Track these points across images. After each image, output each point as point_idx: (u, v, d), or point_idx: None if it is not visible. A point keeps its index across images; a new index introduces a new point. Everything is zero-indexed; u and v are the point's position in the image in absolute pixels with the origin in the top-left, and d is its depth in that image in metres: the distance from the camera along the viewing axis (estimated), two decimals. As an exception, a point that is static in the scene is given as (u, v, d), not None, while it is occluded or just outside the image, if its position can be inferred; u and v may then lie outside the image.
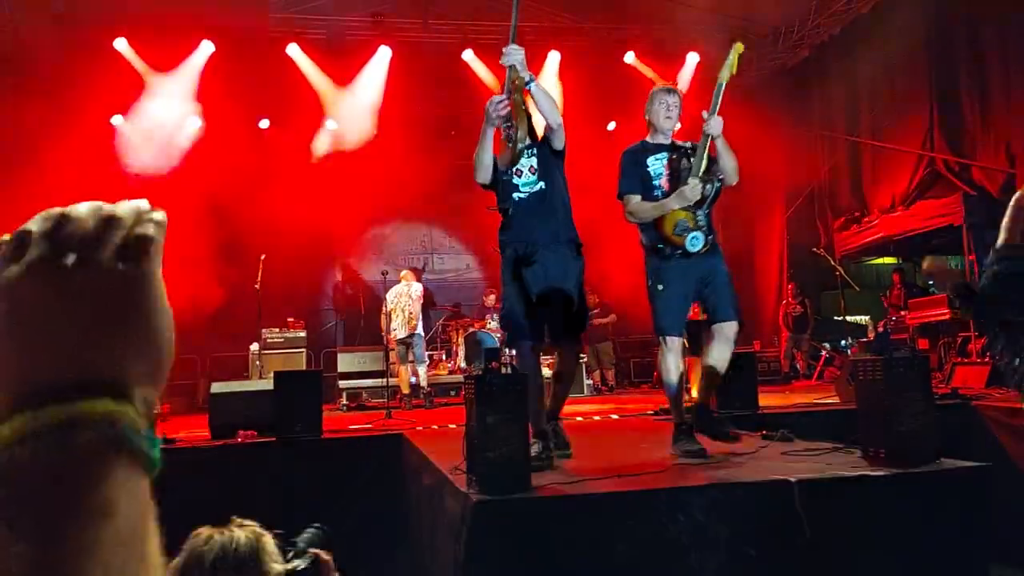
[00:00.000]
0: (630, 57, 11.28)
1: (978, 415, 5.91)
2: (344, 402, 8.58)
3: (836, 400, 6.41)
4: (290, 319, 9.29)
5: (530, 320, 3.71)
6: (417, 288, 8.50)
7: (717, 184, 3.78)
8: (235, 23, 10.01)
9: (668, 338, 3.80)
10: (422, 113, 11.32)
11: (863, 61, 9.82)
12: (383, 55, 11.10)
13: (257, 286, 8.22)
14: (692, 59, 11.24)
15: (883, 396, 3.36)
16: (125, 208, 0.51)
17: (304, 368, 8.61)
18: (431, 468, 3.88)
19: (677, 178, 3.85)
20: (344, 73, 11.21)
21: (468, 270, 12.83)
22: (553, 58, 11.27)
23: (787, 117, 10.60)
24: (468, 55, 11.40)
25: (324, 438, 5.36)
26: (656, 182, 3.91)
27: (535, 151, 3.86)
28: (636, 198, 3.88)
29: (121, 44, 10.17)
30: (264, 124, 11.52)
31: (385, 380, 7.85)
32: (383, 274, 7.93)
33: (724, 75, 3.79)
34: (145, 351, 0.49)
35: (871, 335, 9.59)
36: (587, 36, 11.16)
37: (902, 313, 9.06)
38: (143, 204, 0.52)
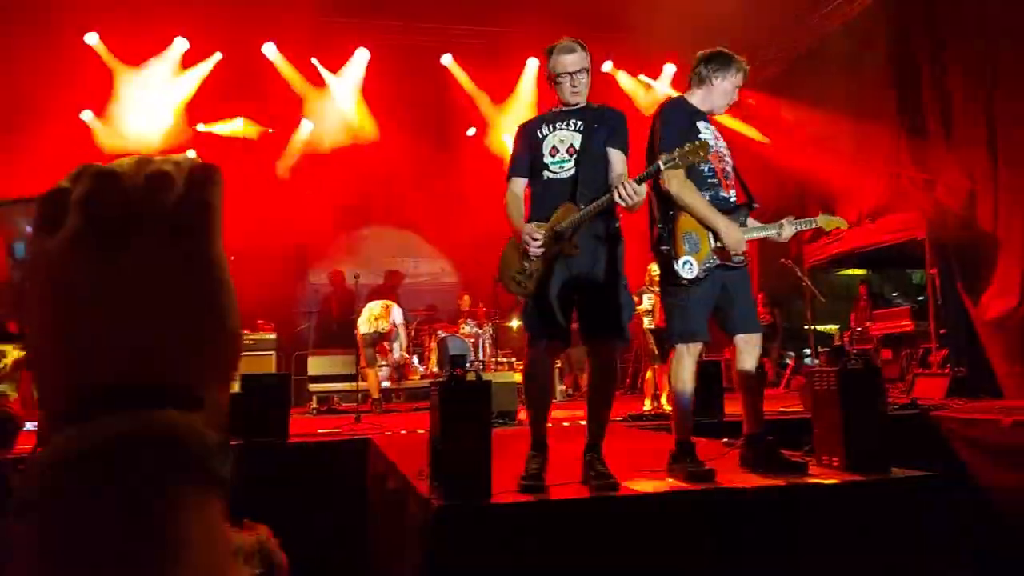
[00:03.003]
0: (608, 66, 11.41)
1: (936, 425, 6.04)
2: (314, 406, 8.56)
3: (800, 409, 6.52)
4: (260, 321, 9.26)
5: (547, 315, 3.26)
6: (398, 313, 8.58)
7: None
8: (211, 20, 9.96)
9: (693, 344, 3.51)
10: (399, 116, 11.33)
11: (832, 76, 10.00)
12: (361, 57, 11.11)
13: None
14: (669, 69, 11.42)
15: (837, 406, 3.45)
16: (177, 163, 0.42)
17: (274, 371, 8.58)
18: (396, 473, 3.91)
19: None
20: (321, 74, 11.20)
21: (443, 274, 12.84)
22: (532, 64, 11.36)
23: (760, 130, 10.76)
24: (447, 59, 11.45)
25: (290, 443, 5.36)
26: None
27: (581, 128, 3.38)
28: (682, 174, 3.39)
29: (92, 39, 10.09)
30: (238, 123, 11.46)
31: (356, 384, 7.85)
32: (355, 278, 7.94)
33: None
34: (212, 341, 0.41)
35: (836, 344, 9.75)
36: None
37: (867, 324, 9.24)
38: (195, 158, 0.43)
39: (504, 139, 11.34)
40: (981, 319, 7.66)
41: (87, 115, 10.43)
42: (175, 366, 0.38)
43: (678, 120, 3.47)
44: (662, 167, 3.13)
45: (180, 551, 0.35)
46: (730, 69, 3.64)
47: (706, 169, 3.54)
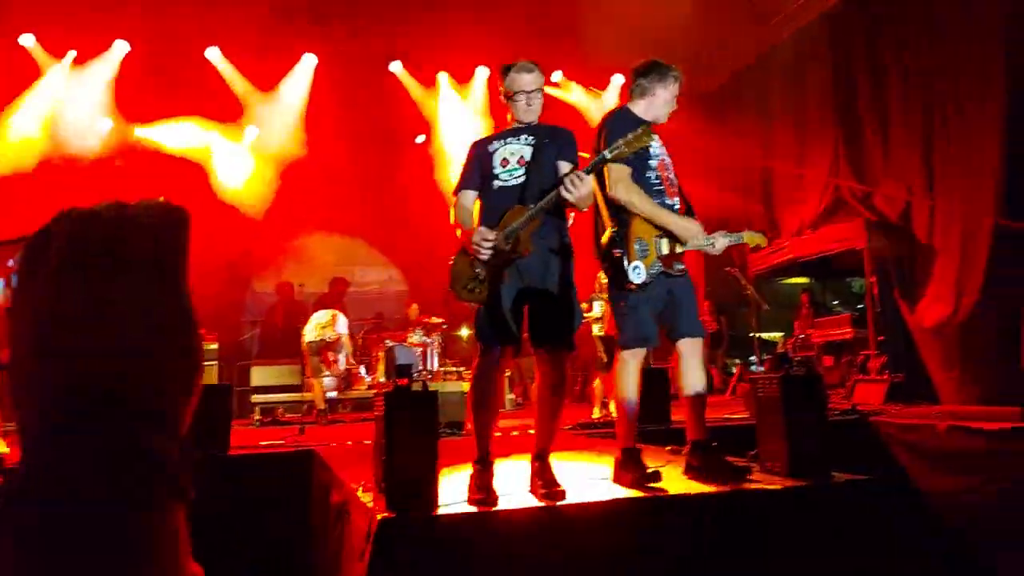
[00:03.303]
0: (557, 76, 11.49)
1: (875, 430, 6.18)
2: (257, 417, 8.39)
3: (746, 415, 6.62)
4: (202, 331, 9.02)
5: (500, 323, 3.25)
6: (343, 324, 8.48)
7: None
8: (153, 23, 9.73)
9: (638, 350, 3.56)
10: (346, 122, 11.21)
11: (776, 89, 10.23)
12: (308, 62, 10.98)
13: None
14: (616, 80, 11.54)
15: (779, 412, 3.49)
16: (149, 207, 0.49)
17: (215, 382, 8.39)
18: (340, 485, 3.84)
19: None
20: (267, 79, 11.04)
21: (391, 282, 12.73)
22: (481, 74, 11.38)
23: (703, 141, 10.92)
24: (396, 66, 11.39)
25: (232, 455, 5.23)
26: (653, 163, 3.63)
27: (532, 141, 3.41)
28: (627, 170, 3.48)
29: (28, 41, 9.78)
30: (182, 128, 11.21)
31: (300, 394, 7.72)
32: (299, 286, 7.81)
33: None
34: (179, 364, 0.46)
35: (780, 351, 9.94)
36: (513, 55, 11.27)
37: (809, 331, 9.44)
38: (165, 203, 0.50)
39: (448, 147, 11.33)
40: (918, 326, 7.88)
41: (24, 118, 10.08)
42: (148, 387, 0.42)
43: (624, 127, 3.48)
44: (607, 156, 3.20)
45: (150, 554, 0.39)
46: (667, 79, 3.73)
47: (653, 177, 3.60)
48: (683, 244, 3.57)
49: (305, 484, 4.96)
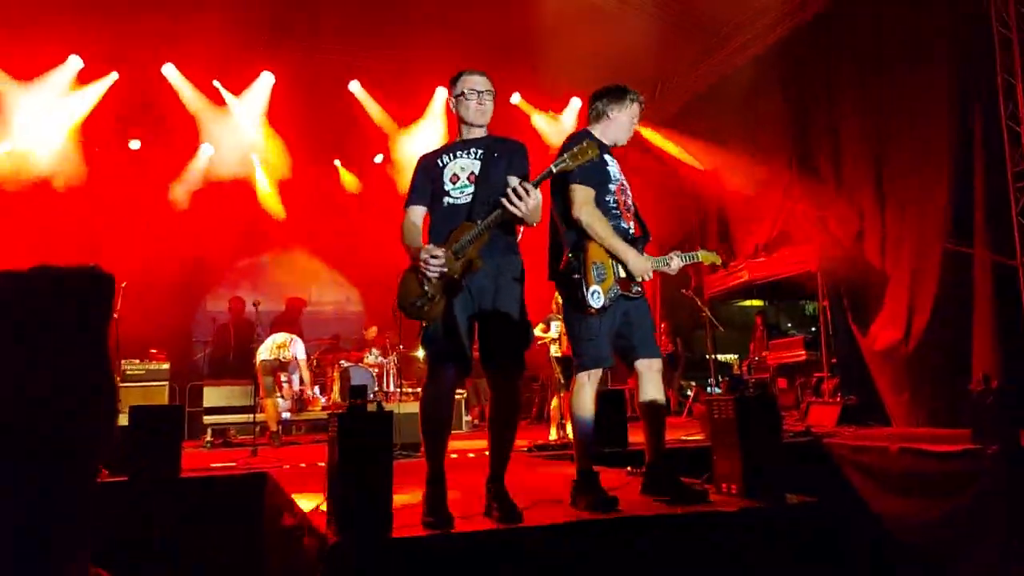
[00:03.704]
0: (516, 98, 11.56)
1: (828, 452, 6.26)
2: (209, 439, 8.20)
3: (702, 436, 6.65)
4: (152, 350, 8.84)
5: (451, 341, 3.20)
6: (300, 349, 8.37)
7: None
8: (108, 38, 9.57)
9: (594, 372, 3.53)
10: (304, 141, 11.13)
11: (731, 116, 10.43)
12: (265, 80, 10.89)
13: (116, 315, 7.79)
14: (575, 103, 11.66)
15: (734, 434, 3.51)
16: (76, 273, 0.51)
17: (167, 402, 8.19)
18: (292, 508, 3.75)
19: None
20: (223, 97, 10.91)
21: (348, 303, 12.62)
22: (441, 93, 11.39)
23: (661, 165, 11.08)
24: (354, 86, 11.36)
25: (182, 477, 5.09)
26: (612, 187, 3.64)
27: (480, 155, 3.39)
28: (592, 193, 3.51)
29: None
30: (135, 145, 11.02)
31: (253, 416, 7.57)
32: (255, 305, 7.67)
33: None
34: (95, 429, 0.48)
35: (736, 373, 10.04)
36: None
37: (764, 354, 9.57)
38: (93, 268, 0.52)
39: (407, 168, 11.29)
40: (870, 350, 8.03)
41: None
42: (60, 451, 0.47)
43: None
44: (554, 170, 3.19)
45: None
46: (624, 102, 3.76)
47: (611, 201, 3.62)
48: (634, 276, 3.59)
49: (257, 507, 4.85)
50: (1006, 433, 5.09)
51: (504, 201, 3.06)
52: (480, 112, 3.39)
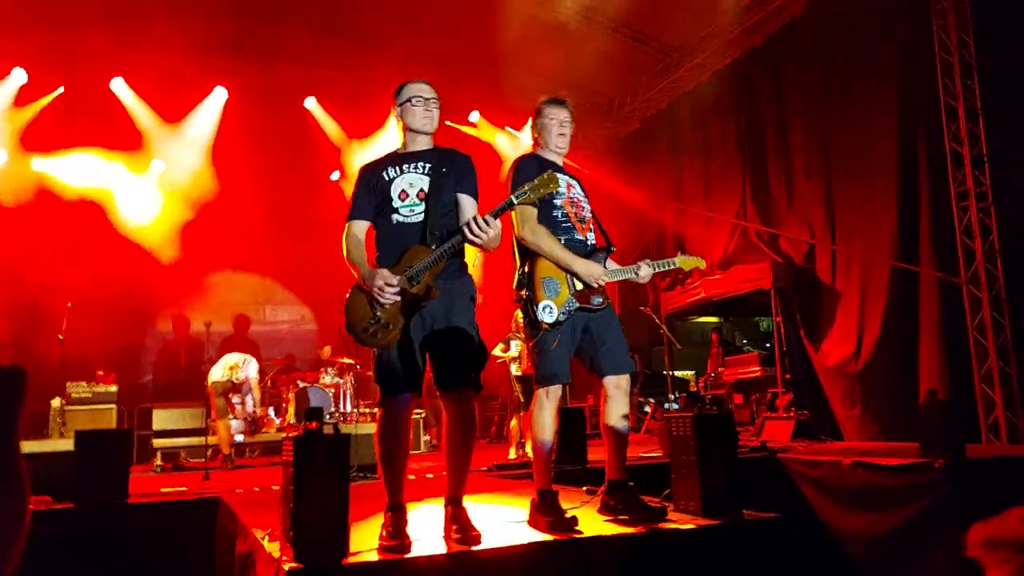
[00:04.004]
0: (475, 116, 11.60)
1: (783, 466, 6.33)
2: (159, 463, 7.98)
3: (660, 453, 6.68)
4: (100, 372, 8.59)
5: (407, 367, 3.16)
6: (254, 368, 8.23)
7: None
8: (53, 51, 9.36)
9: (553, 389, 3.51)
10: (258, 158, 10.98)
11: (687, 135, 10.60)
12: (218, 96, 10.75)
13: (61, 336, 7.57)
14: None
15: (693, 451, 3.53)
16: None
17: (115, 425, 7.97)
18: (245, 534, 3.66)
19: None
20: (174, 112, 10.74)
21: (303, 321, 12.43)
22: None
23: (618, 184, 11.19)
24: (310, 102, 11.28)
25: (131, 503, 4.94)
26: (558, 201, 3.63)
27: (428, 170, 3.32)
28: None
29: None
30: (85, 159, 10.75)
31: (205, 438, 7.39)
32: (207, 325, 7.51)
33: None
34: (8, 504, 0.46)
35: (692, 390, 10.14)
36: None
37: (720, 370, 9.67)
38: (3, 367, 0.50)
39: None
40: (822, 365, 8.18)
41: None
42: None
43: (530, 170, 3.51)
44: (515, 201, 3.15)
45: None
46: (548, 106, 3.76)
47: (559, 215, 3.62)
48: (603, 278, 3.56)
49: (208, 533, 4.72)
50: (952, 447, 5.20)
51: (466, 231, 3.03)
52: (427, 119, 3.35)
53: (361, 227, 3.31)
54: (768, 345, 9.63)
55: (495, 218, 3.07)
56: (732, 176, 9.72)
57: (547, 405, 3.51)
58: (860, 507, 5.70)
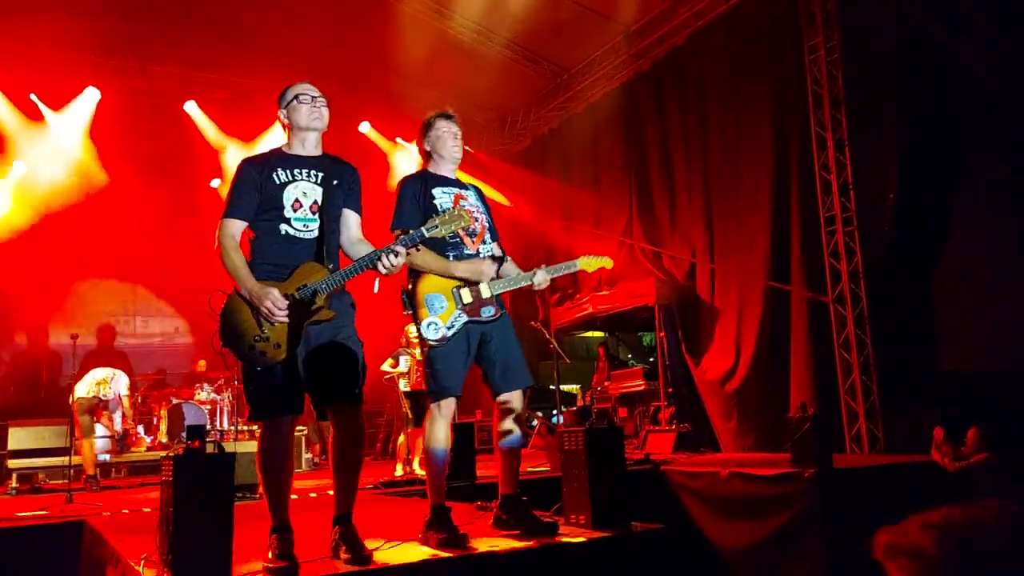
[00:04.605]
0: (365, 127, 11.44)
1: (666, 478, 6.53)
2: (14, 485, 7.40)
3: (548, 468, 6.74)
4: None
5: (293, 387, 3.05)
6: (123, 384, 7.76)
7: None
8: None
9: (445, 404, 3.48)
10: (132, 162, 10.42)
11: (577, 154, 10.82)
12: (90, 96, 10.15)
13: None
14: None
15: (584, 465, 3.57)
16: None
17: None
18: (116, 559, 3.43)
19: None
20: (40, 113, 10.06)
21: (177, 334, 11.85)
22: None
23: (510, 199, 11.30)
24: (190, 106, 10.82)
25: (-19, 529, 4.55)
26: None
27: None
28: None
29: None
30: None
31: (68, 458, 6.89)
32: (73, 338, 7.01)
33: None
34: None
35: (579, 404, 10.30)
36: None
37: (606, 384, 9.88)
38: None
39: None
40: (701, 380, 8.50)
41: None
42: None
43: (410, 191, 3.53)
44: (426, 234, 3.11)
45: None
46: (434, 121, 3.71)
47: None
48: (484, 287, 3.54)
49: (73, 559, 4.40)
50: (821, 457, 5.50)
51: (379, 267, 2.99)
52: (315, 116, 3.22)
53: (239, 227, 3.11)
54: (652, 359, 9.92)
55: (405, 248, 3.04)
56: (620, 195, 9.99)
57: (441, 420, 3.47)
58: (737, 516, 5.94)
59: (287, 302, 2.96)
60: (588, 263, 3.94)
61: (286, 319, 2.97)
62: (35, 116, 10.04)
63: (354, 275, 3.06)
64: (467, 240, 3.62)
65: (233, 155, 11.09)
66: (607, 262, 3.99)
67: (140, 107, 10.27)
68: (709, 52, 8.79)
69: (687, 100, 9.13)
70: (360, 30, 9.32)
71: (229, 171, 11.04)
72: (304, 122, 3.22)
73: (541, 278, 3.69)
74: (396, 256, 3.00)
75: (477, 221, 3.69)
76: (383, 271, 3.01)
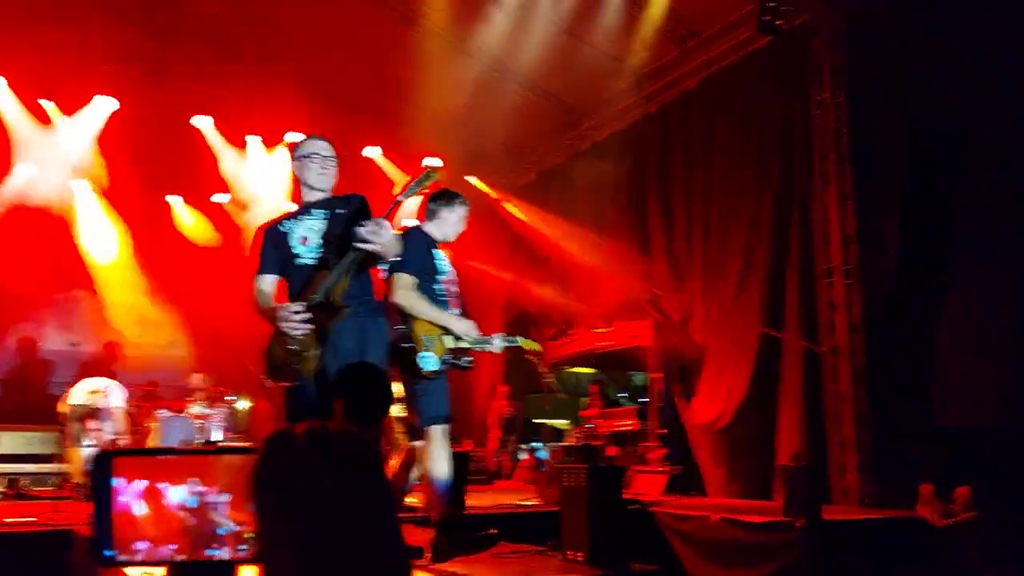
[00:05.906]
0: (376, 152, 11.49)
1: (656, 520, 6.51)
2: (1, 489, 7.33)
3: (538, 502, 6.72)
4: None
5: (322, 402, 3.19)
6: (119, 397, 7.75)
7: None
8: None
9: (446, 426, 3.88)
10: (140, 173, 10.47)
11: (580, 191, 10.91)
12: (102, 104, 10.22)
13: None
14: (428, 161, 11.72)
15: (584, 503, 3.60)
16: None
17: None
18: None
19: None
20: (50, 117, 10.12)
21: (172, 346, 11.75)
22: (290, 138, 11.14)
23: (512, 234, 11.40)
24: (200, 121, 10.90)
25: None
26: (440, 277, 4.03)
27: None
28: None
29: None
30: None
31: (58, 465, 6.85)
32: (72, 345, 7.00)
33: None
34: None
35: (569, 440, 10.26)
36: (328, 127, 11.24)
37: (596, 421, 9.87)
38: None
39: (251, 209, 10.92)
40: (691, 423, 8.52)
41: None
42: None
43: (418, 247, 3.91)
44: (402, 200, 3.37)
45: None
46: (454, 204, 4.18)
47: (439, 289, 3.98)
48: (465, 341, 3.91)
49: (62, 569, 4.36)
50: (812, 507, 5.52)
51: (359, 231, 3.15)
52: (323, 177, 3.45)
53: (268, 281, 3.42)
54: (642, 400, 9.93)
55: (385, 219, 3.24)
56: (619, 235, 10.06)
57: (445, 443, 3.82)
58: (725, 562, 5.92)
59: (301, 307, 3.14)
60: (526, 343, 4.51)
61: (305, 326, 3.11)
62: (45, 121, 10.08)
63: (353, 262, 3.21)
64: (452, 301, 4.06)
65: (239, 168, 11.15)
66: (537, 347, 4.60)
67: (151, 117, 10.33)
68: (717, 99, 8.92)
69: (690, 145, 9.23)
70: (370, 54, 9.49)
71: (233, 186, 11.14)
72: (312, 181, 3.49)
73: (499, 344, 4.17)
74: (379, 227, 3.16)
75: (453, 282, 4.12)
76: (372, 248, 3.16)
